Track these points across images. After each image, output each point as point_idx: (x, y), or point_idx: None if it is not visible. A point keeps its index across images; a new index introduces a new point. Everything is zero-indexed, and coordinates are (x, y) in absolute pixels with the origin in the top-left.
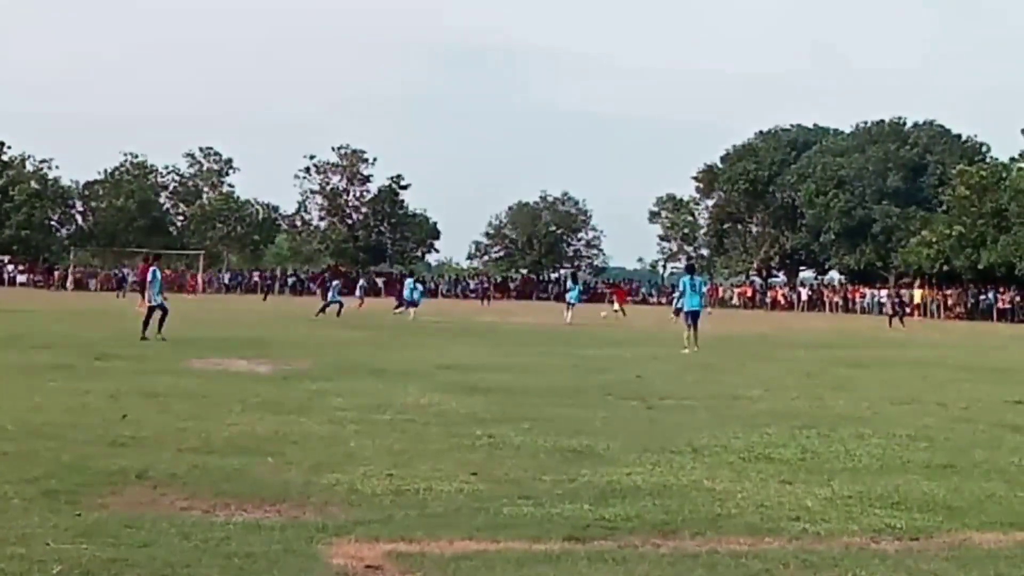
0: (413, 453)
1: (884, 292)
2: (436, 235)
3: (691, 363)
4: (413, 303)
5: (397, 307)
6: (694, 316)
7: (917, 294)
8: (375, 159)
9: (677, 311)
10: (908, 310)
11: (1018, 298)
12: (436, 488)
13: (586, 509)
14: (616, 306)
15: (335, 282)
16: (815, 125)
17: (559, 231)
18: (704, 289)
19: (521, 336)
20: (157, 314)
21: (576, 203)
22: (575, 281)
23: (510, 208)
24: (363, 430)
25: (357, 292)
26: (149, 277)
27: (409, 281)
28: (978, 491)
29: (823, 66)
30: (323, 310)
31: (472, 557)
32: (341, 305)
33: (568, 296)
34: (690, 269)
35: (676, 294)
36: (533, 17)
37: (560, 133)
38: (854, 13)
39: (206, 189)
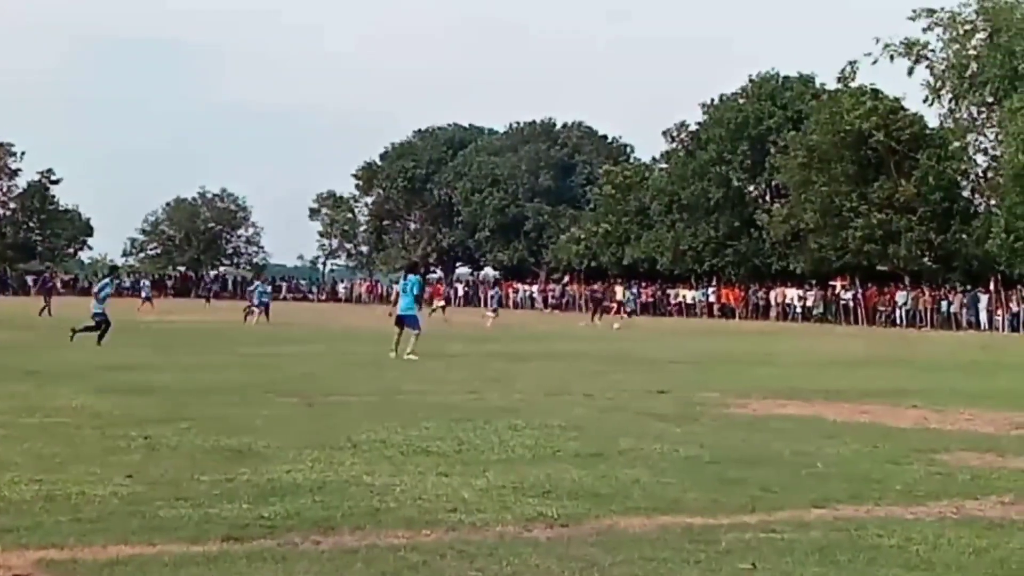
0: (65, 457)
1: (536, 287)
2: (89, 232)
3: (356, 360)
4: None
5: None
6: (402, 321)
7: (619, 291)
8: (23, 152)
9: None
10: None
11: (659, 292)
12: (89, 492)
13: (245, 508)
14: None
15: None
16: (471, 124)
17: (218, 228)
18: (416, 291)
19: (184, 335)
20: None
21: (235, 199)
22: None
23: (168, 204)
24: (11, 435)
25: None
26: None
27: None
28: (624, 478)
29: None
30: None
31: (127, 562)
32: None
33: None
34: (411, 269)
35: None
36: (194, 12)
37: (221, 128)
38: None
39: None
